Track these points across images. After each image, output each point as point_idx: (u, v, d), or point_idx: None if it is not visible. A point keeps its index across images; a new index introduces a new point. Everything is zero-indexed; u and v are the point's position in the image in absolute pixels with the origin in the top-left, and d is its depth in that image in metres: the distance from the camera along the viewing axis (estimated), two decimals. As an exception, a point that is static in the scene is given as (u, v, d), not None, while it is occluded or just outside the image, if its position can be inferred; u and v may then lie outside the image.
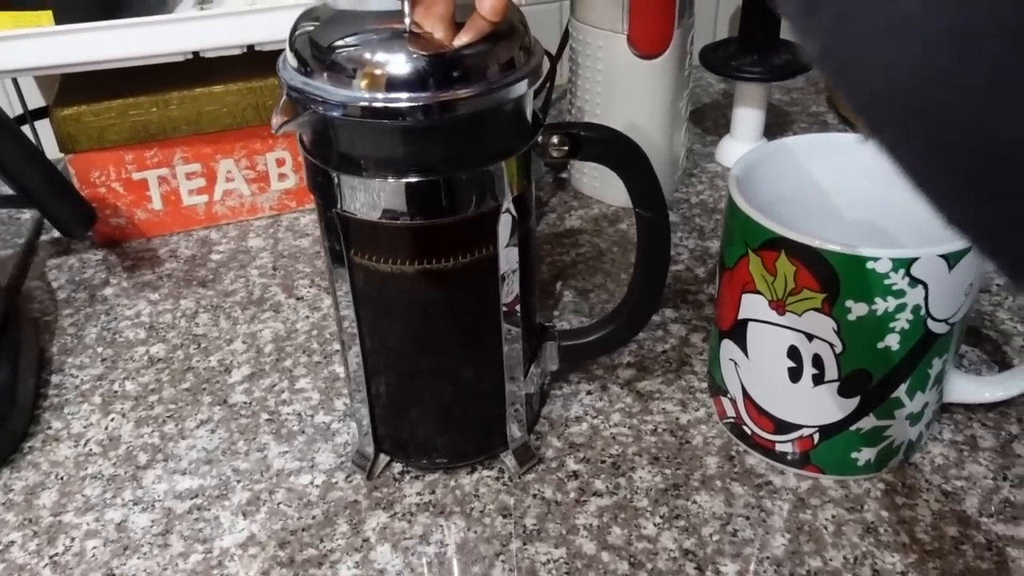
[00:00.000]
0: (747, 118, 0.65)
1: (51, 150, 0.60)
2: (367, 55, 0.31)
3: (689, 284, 0.54)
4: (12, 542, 0.39)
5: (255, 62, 0.54)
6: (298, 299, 0.54)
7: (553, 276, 0.55)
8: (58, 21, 0.48)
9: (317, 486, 0.41)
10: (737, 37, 0.65)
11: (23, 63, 0.48)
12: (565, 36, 0.66)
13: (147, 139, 0.57)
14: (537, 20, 0.73)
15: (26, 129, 0.63)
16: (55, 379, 0.48)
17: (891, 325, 0.35)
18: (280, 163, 0.61)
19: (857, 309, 0.35)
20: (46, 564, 0.38)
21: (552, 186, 0.65)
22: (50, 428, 0.45)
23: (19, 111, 0.63)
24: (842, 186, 0.43)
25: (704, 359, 0.47)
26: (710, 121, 0.75)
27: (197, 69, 0.55)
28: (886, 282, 0.34)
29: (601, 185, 0.63)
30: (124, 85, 0.55)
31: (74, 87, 0.56)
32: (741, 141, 0.66)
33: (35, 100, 0.65)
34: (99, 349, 0.50)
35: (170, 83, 0.56)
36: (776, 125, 0.72)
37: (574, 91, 0.61)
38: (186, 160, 0.59)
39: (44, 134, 0.62)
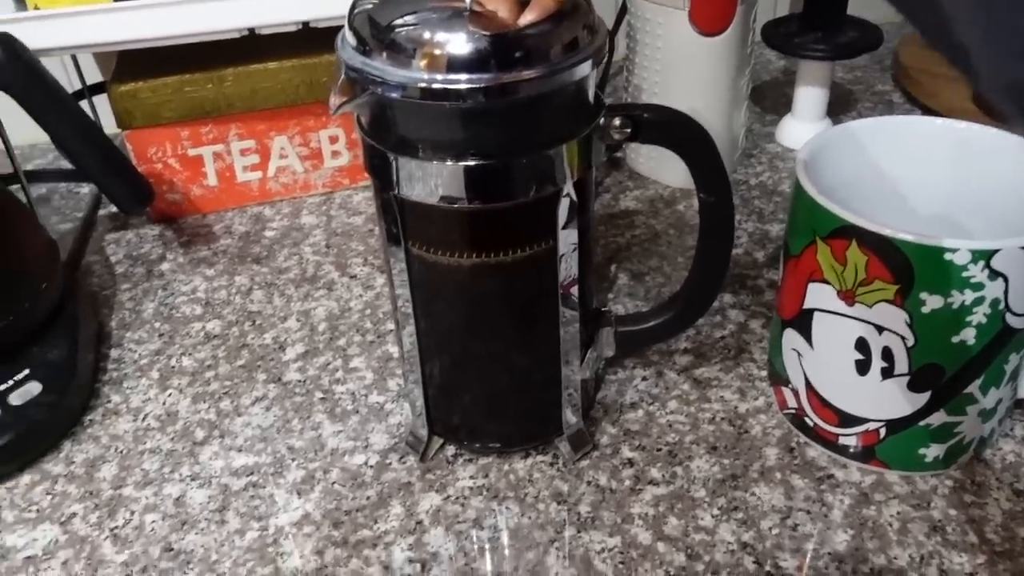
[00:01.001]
0: (809, 97, 0.63)
1: (108, 124, 0.60)
2: (427, 35, 0.30)
3: (748, 269, 0.52)
4: (74, 514, 0.39)
5: (309, 39, 0.54)
6: (351, 277, 0.54)
7: (607, 258, 0.54)
8: (117, -3, 0.48)
9: (371, 467, 0.41)
10: (800, 13, 0.63)
11: (82, 39, 0.48)
12: (623, 9, 0.65)
13: (202, 116, 0.57)
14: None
15: (84, 104, 0.64)
16: (114, 353, 0.49)
17: (967, 319, 0.34)
18: (333, 140, 0.60)
19: (932, 302, 0.33)
20: (107, 536, 0.38)
21: (607, 165, 0.64)
22: (109, 402, 0.45)
23: (77, 86, 0.64)
24: (910, 172, 0.41)
25: (763, 346, 0.46)
26: (769, 99, 0.72)
27: (252, 46, 0.55)
28: (964, 274, 0.33)
29: (657, 165, 0.61)
30: (180, 61, 0.56)
31: (131, 63, 0.57)
32: (803, 121, 0.64)
33: (93, 75, 0.66)
34: (156, 324, 0.51)
35: (225, 60, 0.56)
36: (839, 104, 0.70)
37: (631, 68, 0.60)
38: (241, 137, 0.59)
39: (101, 108, 0.63)
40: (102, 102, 0.61)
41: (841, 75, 0.75)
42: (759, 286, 0.51)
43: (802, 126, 0.64)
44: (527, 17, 0.31)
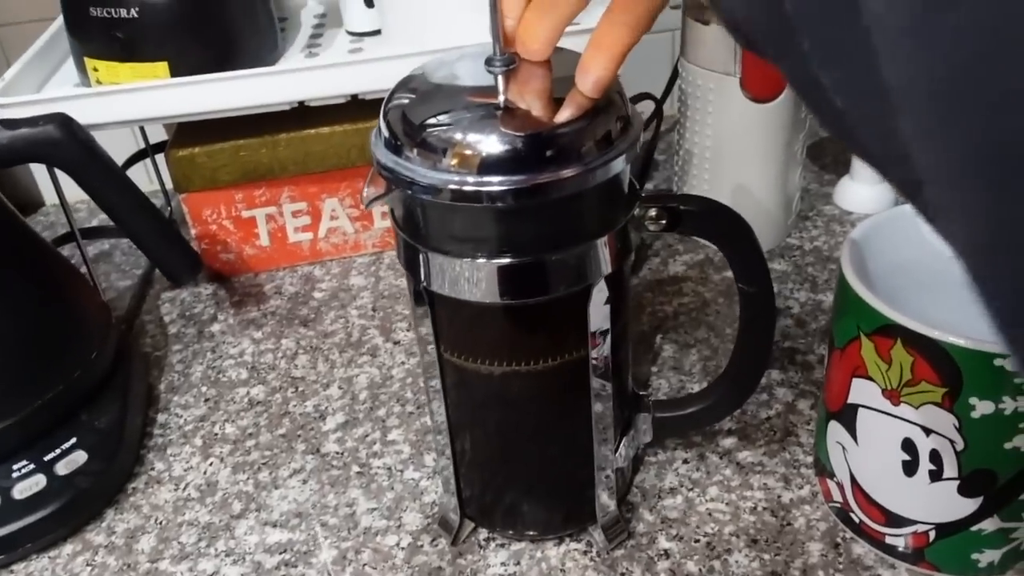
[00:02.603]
0: (868, 159, 0.62)
1: (169, 180, 0.62)
2: (459, 136, 0.30)
3: (798, 342, 0.51)
4: (112, 586, 0.40)
5: (360, 105, 0.55)
6: (395, 343, 0.54)
7: (653, 328, 0.53)
8: (173, 74, 0.49)
9: (403, 548, 0.41)
10: (860, 73, 0.61)
11: (141, 114, 0.50)
12: (674, 74, 0.64)
13: (256, 179, 0.58)
14: (645, 53, 0.71)
15: (146, 163, 0.66)
16: (161, 418, 0.50)
17: (1021, 426, 0.32)
18: (383, 202, 0.61)
19: (982, 407, 0.32)
20: (141, 612, 0.39)
21: (657, 228, 0.63)
22: (153, 469, 0.46)
23: (142, 145, 0.66)
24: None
25: (811, 429, 0.45)
26: (829, 157, 0.71)
27: (304, 112, 0.56)
28: (1017, 380, 0.31)
29: (708, 229, 0.60)
30: (235, 127, 0.57)
31: (189, 129, 0.58)
32: (862, 183, 0.63)
33: (157, 133, 0.68)
34: (203, 388, 0.52)
35: (279, 125, 0.57)
36: (901, 163, 0.68)
37: (682, 133, 0.59)
38: (293, 199, 0.60)
39: (164, 166, 0.65)
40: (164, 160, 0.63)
41: (904, 132, 0.73)
42: (809, 362, 0.49)
43: (861, 188, 0.63)
44: (562, 115, 0.31)
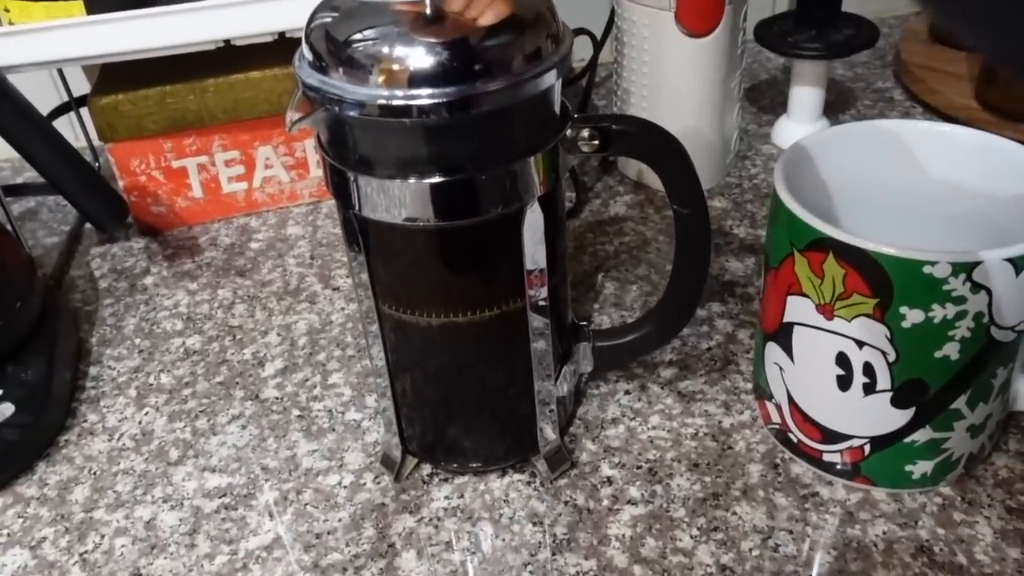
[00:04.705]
0: (805, 97, 0.62)
1: (96, 136, 0.60)
2: (385, 50, 0.29)
3: (738, 276, 0.51)
4: (44, 538, 0.39)
5: (290, 47, 0.53)
6: (334, 290, 0.53)
7: (595, 267, 0.53)
8: (89, 11, 0.47)
9: (345, 487, 0.40)
10: (794, 11, 0.61)
11: (55, 55, 0.48)
12: (613, 13, 0.64)
13: (185, 127, 0.56)
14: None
15: (71, 116, 0.64)
16: (93, 371, 0.48)
17: (950, 333, 0.32)
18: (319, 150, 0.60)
19: (912, 316, 0.32)
20: (75, 562, 0.38)
21: (597, 170, 0.63)
22: (86, 421, 0.45)
23: (65, 98, 0.63)
24: (904, 177, 0.40)
25: (751, 358, 0.45)
26: (767, 99, 0.71)
27: (233, 56, 0.54)
28: (945, 288, 0.31)
29: (648, 169, 0.60)
30: (161, 73, 0.55)
31: (113, 75, 0.56)
32: (798, 122, 0.63)
33: (81, 86, 0.65)
34: (137, 340, 0.50)
35: (206, 70, 0.55)
36: (837, 103, 0.68)
37: (620, 71, 0.59)
38: (225, 147, 0.58)
39: (89, 121, 0.63)
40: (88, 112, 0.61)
41: (841, 72, 0.73)
42: (748, 294, 0.50)
43: (798, 127, 0.63)
44: (487, 18, 0.30)
